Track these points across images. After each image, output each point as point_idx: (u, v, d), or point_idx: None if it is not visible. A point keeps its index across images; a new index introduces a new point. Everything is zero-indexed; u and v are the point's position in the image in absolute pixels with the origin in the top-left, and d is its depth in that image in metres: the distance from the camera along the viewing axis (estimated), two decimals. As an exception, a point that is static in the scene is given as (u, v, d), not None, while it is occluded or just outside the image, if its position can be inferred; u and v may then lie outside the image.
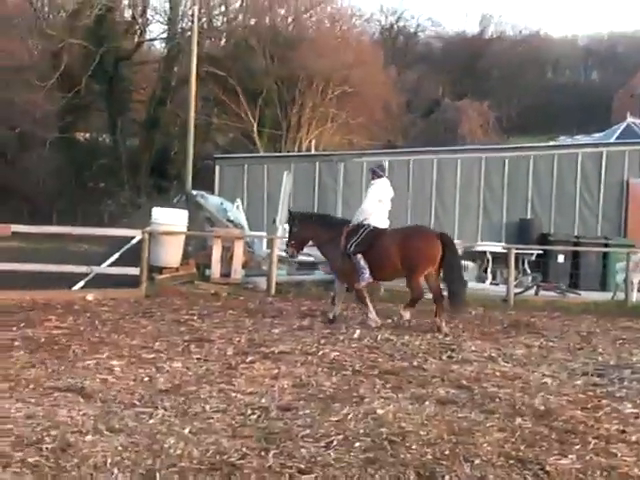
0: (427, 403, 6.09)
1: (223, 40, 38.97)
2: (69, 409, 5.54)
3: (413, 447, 4.97)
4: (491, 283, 16.79)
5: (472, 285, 15.10)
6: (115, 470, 4.32)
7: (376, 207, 10.58)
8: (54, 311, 10.52)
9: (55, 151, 38.17)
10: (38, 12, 38.80)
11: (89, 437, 4.88)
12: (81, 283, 13.37)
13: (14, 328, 9.06)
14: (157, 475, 4.27)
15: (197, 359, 7.60)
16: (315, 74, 35.15)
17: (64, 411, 5.48)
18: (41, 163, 38.07)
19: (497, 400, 6.29)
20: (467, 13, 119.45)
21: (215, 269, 13.97)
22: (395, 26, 51.31)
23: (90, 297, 11.97)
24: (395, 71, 41.16)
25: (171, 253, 14.13)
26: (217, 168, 19.45)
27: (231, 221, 16.30)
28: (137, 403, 5.80)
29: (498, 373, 7.42)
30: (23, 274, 14.32)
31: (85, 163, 39.46)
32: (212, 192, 18.76)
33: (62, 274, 13.77)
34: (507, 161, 19.47)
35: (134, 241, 13.78)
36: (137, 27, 41.05)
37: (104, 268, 13.50)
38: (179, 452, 4.66)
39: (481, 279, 16.96)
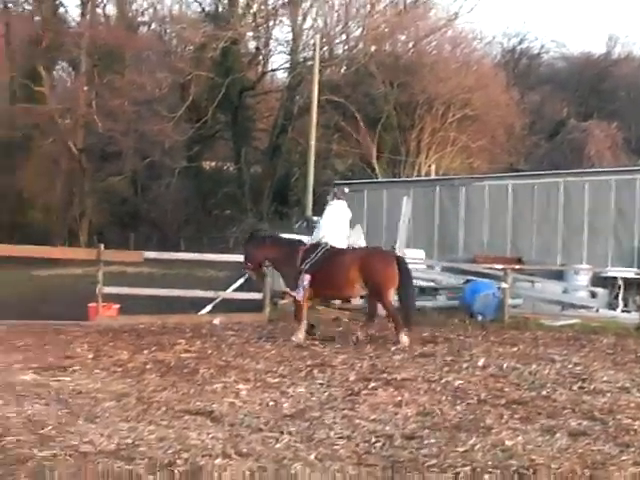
0: (558, 435, 5.87)
1: (343, 68, 39.48)
2: (199, 432, 5.68)
3: (544, 481, 4.80)
4: (622, 310, 16.07)
5: (603, 312, 14.53)
6: (243, 495, 4.40)
7: (333, 227, 10.90)
8: (183, 335, 10.85)
9: (183, 180, 39.65)
10: (167, 46, 40.58)
11: (218, 461, 4.98)
12: (208, 307, 13.77)
13: (146, 351, 9.41)
14: (285, 501, 4.32)
15: (320, 384, 7.64)
16: (435, 98, 35.04)
17: (194, 434, 5.63)
18: (169, 191, 39.63)
19: (632, 433, 6.00)
20: (593, 34, 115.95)
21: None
22: (518, 48, 50.50)
23: (217, 321, 12.29)
24: (518, 93, 40.40)
25: (293, 278, 14.30)
26: (337, 194, 19.62)
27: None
28: (263, 427, 5.88)
29: (633, 404, 7.07)
30: (154, 298, 14.92)
31: (211, 191, 40.80)
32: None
33: (190, 299, 14.24)
34: (638, 184, 18.67)
35: (258, 266, 14.04)
36: (261, 58, 42.29)
37: (230, 293, 13.84)
38: (305, 479, 4.69)
39: (612, 306, 16.28)
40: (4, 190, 39.16)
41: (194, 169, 40.35)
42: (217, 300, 13.80)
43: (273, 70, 44.32)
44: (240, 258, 15.36)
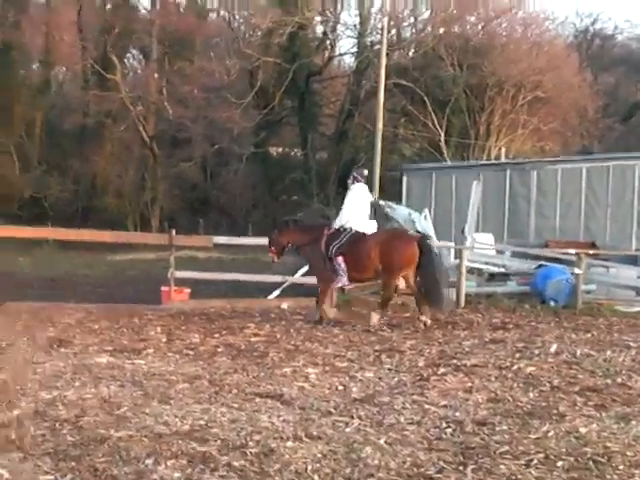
0: (634, 423, 5.73)
1: (411, 51, 39.08)
2: (270, 415, 5.74)
3: (620, 468, 4.70)
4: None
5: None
6: (315, 477, 4.42)
7: (355, 211, 11.05)
8: (252, 319, 10.98)
9: (250, 166, 40.00)
10: (236, 32, 40.86)
11: (289, 443, 5.03)
12: (276, 292, 13.88)
13: (216, 335, 9.56)
14: (356, 484, 4.34)
15: (389, 369, 7.63)
16: (506, 80, 34.38)
17: (265, 417, 5.69)
18: (238, 177, 40.06)
19: None
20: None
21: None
22: (591, 29, 49.07)
23: (285, 306, 12.38)
24: (591, 75, 39.32)
25: (361, 263, 14.28)
26: (404, 178, 19.53)
27: (419, 232, 16.23)
28: (333, 411, 5.91)
29: None
30: (223, 283, 15.14)
31: (278, 177, 41.04)
32: (399, 202, 18.82)
33: (258, 283, 14.38)
34: None
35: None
36: (328, 43, 42.15)
37: (297, 278, 13.90)
38: (376, 462, 4.69)
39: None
40: (79, 176, 40.27)
41: (261, 155, 40.62)
42: (285, 285, 13.89)
43: (340, 55, 44.15)
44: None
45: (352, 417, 5.73)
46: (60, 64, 44.97)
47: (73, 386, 6.49)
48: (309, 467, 4.57)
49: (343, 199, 11.56)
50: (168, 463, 4.59)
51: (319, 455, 4.79)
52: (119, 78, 38.32)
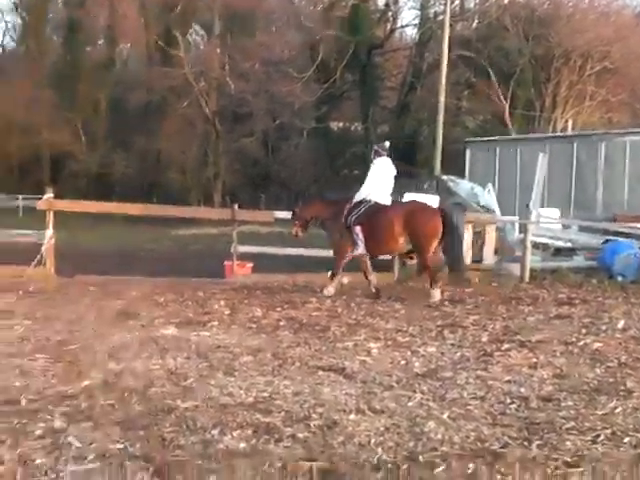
0: None
1: (475, 22, 38.41)
2: (332, 388, 5.77)
3: (689, 445, 4.59)
4: None
5: None
6: (379, 450, 4.43)
7: (378, 185, 11.09)
8: (313, 293, 11.03)
9: (311, 140, 40.05)
10: (296, 6, 40.78)
11: (352, 416, 5.05)
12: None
13: (278, 309, 9.64)
14: (420, 458, 4.32)
15: (451, 344, 7.58)
16: (572, 51, 33.56)
17: (328, 389, 5.73)
18: (299, 152, 40.16)
19: None
20: None
21: (466, 255, 13.83)
22: (661, -5, 47.58)
23: (345, 280, 12.38)
24: (661, 44, 38.08)
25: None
26: (468, 152, 19.30)
27: (482, 206, 16.05)
28: (395, 385, 5.91)
29: None
30: (285, 257, 15.22)
31: (339, 151, 41.00)
32: (462, 176, 18.60)
33: (319, 258, 14.41)
34: None
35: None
36: (390, 15, 41.75)
37: (358, 253, 13.87)
38: (440, 437, 4.68)
39: None
40: (143, 152, 40.94)
41: (322, 129, 40.62)
42: (346, 260, 13.87)
43: (402, 27, 43.76)
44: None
45: (414, 391, 5.72)
46: (124, 41, 45.62)
47: (140, 357, 6.62)
48: (372, 440, 4.59)
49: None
50: (234, 433, 4.67)
51: (382, 428, 4.80)
52: (182, 54, 38.67)
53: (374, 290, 11.05)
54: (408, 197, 14.59)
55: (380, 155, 11.45)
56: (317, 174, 41.34)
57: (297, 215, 11.73)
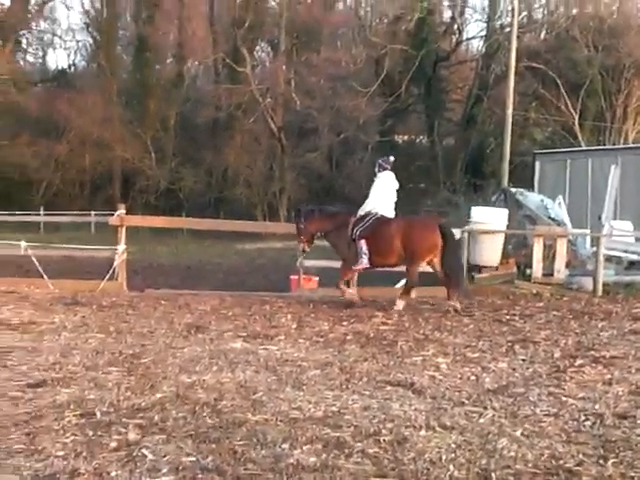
0: None
1: (543, 33, 37.90)
2: (401, 403, 5.74)
3: None
4: None
5: None
6: (451, 467, 4.39)
7: (382, 198, 11.24)
8: (380, 307, 10.99)
9: (376, 154, 39.86)
10: (362, 21, 40.93)
11: (422, 432, 5.01)
12: (403, 281, 13.79)
13: (345, 323, 9.63)
14: (493, 475, 4.26)
15: (522, 360, 7.46)
16: (643, 61, 32.78)
17: (397, 405, 5.69)
18: (363, 166, 40.10)
19: None
20: None
21: (537, 268, 13.60)
22: None
23: (412, 295, 12.30)
24: None
25: (490, 252, 14.04)
26: (537, 164, 19.00)
27: (552, 219, 15.76)
28: (466, 401, 5.84)
29: None
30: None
31: (403, 165, 40.72)
32: (531, 189, 18.31)
33: (385, 272, 14.34)
34: None
35: (453, 240, 13.89)
36: (455, 27, 41.53)
37: (424, 267, 13.77)
38: (512, 454, 4.61)
39: None
40: (211, 167, 41.56)
41: (387, 143, 40.53)
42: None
43: (468, 39, 43.48)
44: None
45: (486, 408, 5.65)
46: (192, 59, 46.46)
47: (211, 370, 6.70)
48: (444, 457, 4.54)
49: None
50: (304, 448, 4.68)
51: (453, 445, 4.76)
52: (249, 71, 39.18)
53: (350, 298, 11.29)
54: (475, 211, 14.45)
55: (384, 169, 11.56)
56: (382, 188, 41.22)
57: (303, 230, 11.74)
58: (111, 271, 12.53)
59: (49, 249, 14.71)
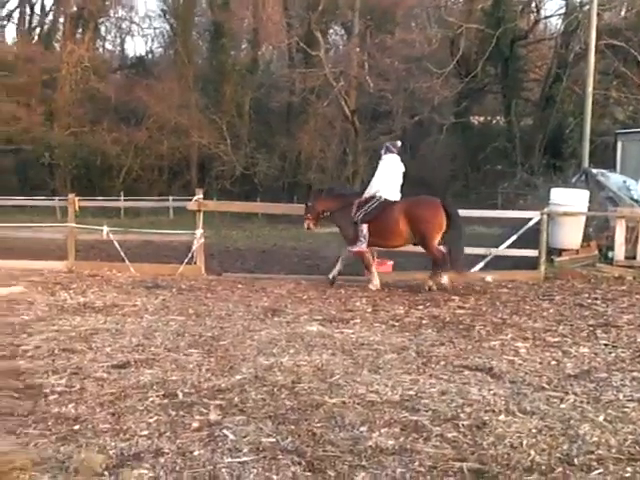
0: None
1: (623, 10, 36.63)
2: (479, 388, 5.70)
3: None
4: None
5: None
6: (532, 452, 4.34)
7: (386, 181, 11.33)
8: (456, 291, 10.89)
9: (450, 136, 39.49)
10: (437, 1, 40.32)
11: (502, 417, 4.97)
12: (480, 264, 13.64)
13: (421, 307, 9.60)
14: (575, 461, 4.20)
15: (604, 345, 7.31)
16: None
17: (475, 389, 5.65)
18: (437, 148, 39.71)
19: None
20: None
21: (619, 251, 13.23)
22: None
23: (489, 278, 12.16)
24: None
25: (571, 235, 13.72)
26: (619, 144, 18.38)
27: (635, 200, 15.28)
28: (546, 386, 5.76)
29: None
30: (424, 255, 15.10)
31: (479, 146, 40.17)
32: (613, 169, 17.78)
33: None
34: None
35: (531, 223, 13.63)
36: (533, 5, 40.55)
37: (502, 250, 13.59)
38: (595, 439, 4.53)
39: None
40: (285, 152, 41.79)
41: (462, 125, 39.96)
42: (489, 257, 13.60)
43: (546, 17, 42.38)
44: (511, 214, 15.19)
45: (567, 393, 5.56)
46: (267, 43, 46.67)
47: (288, 353, 6.78)
48: (524, 442, 4.49)
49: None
50: (382, 431, 4.70)
51: (534, 430, 4.70)
52: (322, 54, 39.08)
53: (330, 277, 11.59)
54: (555, 193, 14.14)
55: (390, 152, 11.62)
56: (456, 170, 40.70)
57: (309, 209, 12.01)
58: (189, 255, 12.76)
59: (130, 234, 15.08)
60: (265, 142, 41.71)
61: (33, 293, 10.20)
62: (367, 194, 11.47)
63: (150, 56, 52.28)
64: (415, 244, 11.55)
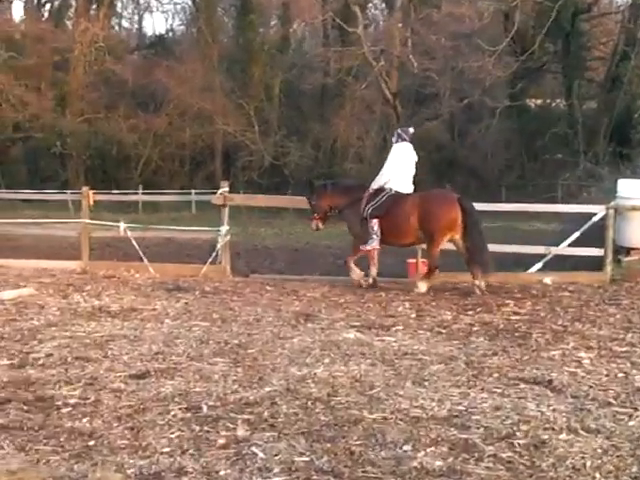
0: None
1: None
2: (537, 403, 5.66)
3: None
4: None
5: None
6: (597, 474, 4.31)
7: (397, 171, 11.30)
8: (510, 295, 10.81)
9: (504, 121, 39.23)
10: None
11: (563, 435, 4.93)
12: (538, 265, 13.53)
13: (471, 312, 9.54)
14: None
15: (680, 356, 7.21)
16: None
17: (532, 405, 5.62)
18: (489, 134, 39.46)
19: None
20: None
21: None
22: None
23: (548, 280, 12.05)
24: None
25: (640, 232, 13.56)
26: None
27: None
28: (613, 402, 5.71)
29: None
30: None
31: (536, 132, 39.88)
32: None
33: (515, 255, 14.09)
34: None
35: (595, 218, 13.48)
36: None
37: (563, 249, 13.46)
38: (669, 463, 4.48)
39: None
40: (318, 140, 41.81)
41: (517, 108, 39.69)
42: (548, 257, 13.47)
43: (613, -11, 41.91)
44: (573, 208, 15.05)
45: (636, 409, 5.51)
46: (299, 19, 46.74)
47: (323, 363, 6.79)
48: (588, 463, 4.46)
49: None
50: (428, 450, 4.69)
51: (599, 450, 4.66)
52: (361, 31, 39.03)
53: (371, 281, 11.51)
54: (623, 185, 13.96)
55: (402, 139, 11.62)
56: (510, 159, 40.47)
57: (315, 207, 11.99)
58: (214, 254, 12.84)
59: (149, 230, 15.24)
60: (297, 129, 41.80)
61: (44, 296, 10.34)
62: (375, 185, 11.50)
63: (170, 35, 52.75)
64: None
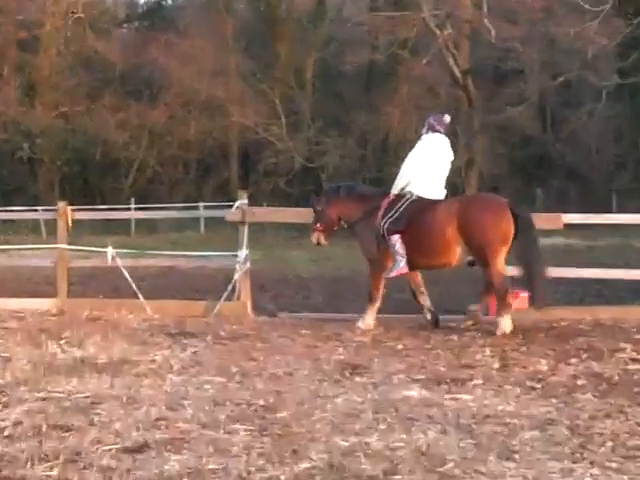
0: None
1: None
2: (668, 481, 5.61)
3: None
4: None
5: None
6: None
7: (421, 170, 11.29)
8: (627, 336, 10.76)
9: (613, 105, 38.99)
10: None
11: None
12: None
13: (574, 360, 9.49)
14: None
15: None
16: None
17: (660, 483, 5.58)
18: (593, 123, 39.23)
19: None
20: None
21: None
22: None
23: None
24: None
25: None
26: None
27: None
28: None
29: None
30: (579, 282, 14.93)
31: (654, 121, 39.67)
32: None
33: (634, 283, 13.98)
34: None
35: None
36: None
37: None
38: None
39: None
40: (364, 135, 41.85)
41: (630, 87, 39.46)
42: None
43: None
44: None
45: None
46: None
47: (376, 430, 6.77)
48: None
49: None
50: None
51: None
52: (420, -9, 39.17)
53: (429, 316, 11.66)
54: None
55: (434, 130, 11.60)
56: (623, 155, 40.22)
57: (320, 216, 12.09)
58: (230, 287, 12.89)
59: (144, 257, 15.33)
60: (336, 121, 41.92)
61: (10, 345, 10.43)
62: (395, 190, 11.58)
63: (171, 2, 53.21)
64: (471, 263, 11.52)
